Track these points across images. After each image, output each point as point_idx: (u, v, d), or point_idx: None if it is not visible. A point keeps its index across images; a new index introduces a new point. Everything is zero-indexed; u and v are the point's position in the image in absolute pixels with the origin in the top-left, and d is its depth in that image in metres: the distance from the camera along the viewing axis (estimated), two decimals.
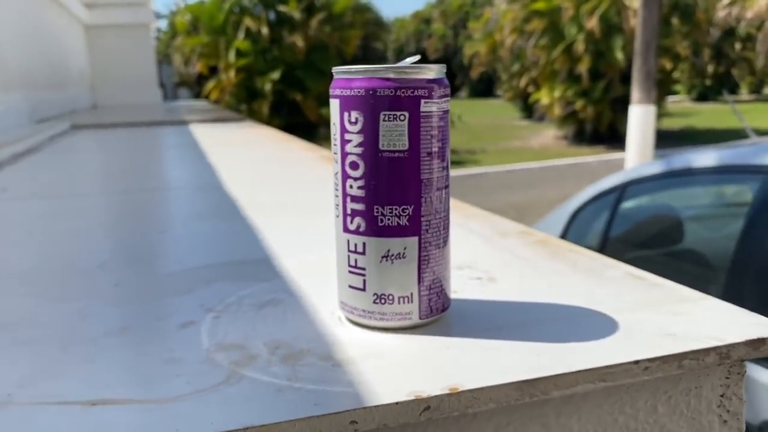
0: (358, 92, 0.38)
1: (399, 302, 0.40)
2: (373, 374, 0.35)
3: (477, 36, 14.65)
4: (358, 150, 0.39)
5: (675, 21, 10.54)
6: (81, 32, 4.12)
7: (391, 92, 0.38)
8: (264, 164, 1.35)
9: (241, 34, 10.01)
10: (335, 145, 0.40)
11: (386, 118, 0.38)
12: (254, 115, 9.35)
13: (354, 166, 0.39)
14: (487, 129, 13.31)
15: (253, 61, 10.03)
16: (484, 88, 26.50)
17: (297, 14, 10.06)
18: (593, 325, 0.40)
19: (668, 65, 10.72)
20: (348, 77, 0.39)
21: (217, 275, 0.53)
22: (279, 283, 0.50)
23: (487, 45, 12.98)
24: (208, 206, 0.89)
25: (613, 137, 10.38)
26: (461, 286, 0.48)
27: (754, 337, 0.37)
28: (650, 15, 5.63)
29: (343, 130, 0.39)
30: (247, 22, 10.01)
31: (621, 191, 2.10)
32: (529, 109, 14.17)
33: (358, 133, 0.39)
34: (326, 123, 9.08)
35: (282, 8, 10.17)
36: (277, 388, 0.33)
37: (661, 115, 10.25)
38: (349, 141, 0.39)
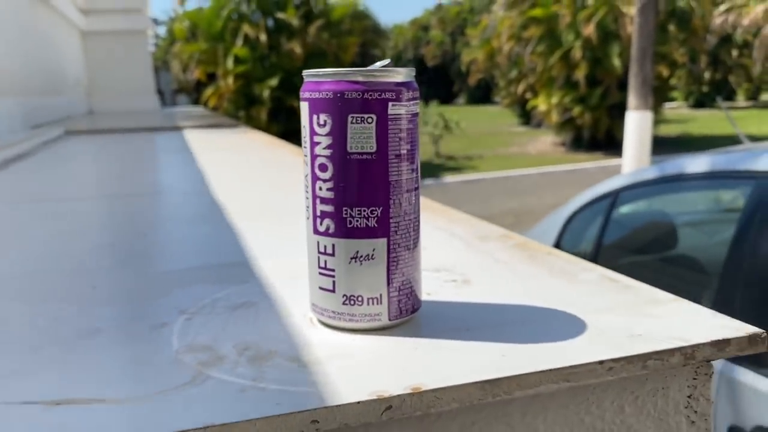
0: (327, 95, 0.39)
1: (368, 303, 0.40)
2: (338, 375, 0.35)
3: (475, 43, 14.71)
4: (327, 152, 0.39)
5: (672, 28, 10.58)
6: (77, 38, 4.13)
7: (359, 95, 0.38)
8: (253, 169, 1.35)
9: (239, 41, 10.04)
10: (305, 147, 0.41)
11: (354, 121, 0.38)
12: (252, 122, 9.37)
13: (323, 168, 0.40)
14: (484, 135, 13.33)
15: (252, 67, 10.06)
16: (482, 94, 26.54)
17: (295, 21, 10.10)
18: (562, 326, 0.40)
19: (665, 72, 10.75)
20: (317, 80, 0.39)
21: (195, 278, 0.53)
22: (254, 286, 0.50)
23: (485, 52, 13.03)
24: (194, 210, 0.89)
25: (611, 143, 10.40)
26: (435, 289, 0.48)
27: (720, 338, 0.37)
28: (646, 22, 5.65)
29: (312, 133, 0.40)
30: (246, 28, 10.04)
31: (615, 197, 2.10)
32: (526, 116, 14.22)
33: (326, 135, 0.39)
34: None
35: (280, 15, 10.21)
36: (240, 388, 0.33)
37: (658, 121, 10.28)
38: (318, 143, 0.40)
